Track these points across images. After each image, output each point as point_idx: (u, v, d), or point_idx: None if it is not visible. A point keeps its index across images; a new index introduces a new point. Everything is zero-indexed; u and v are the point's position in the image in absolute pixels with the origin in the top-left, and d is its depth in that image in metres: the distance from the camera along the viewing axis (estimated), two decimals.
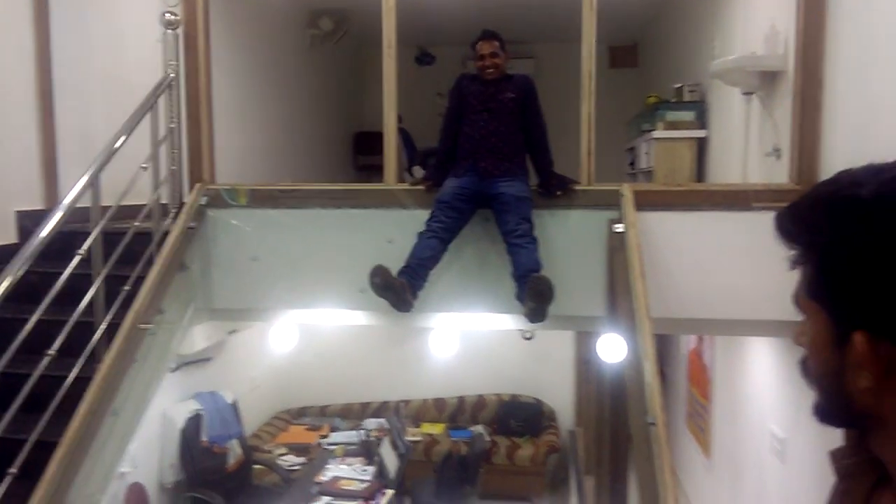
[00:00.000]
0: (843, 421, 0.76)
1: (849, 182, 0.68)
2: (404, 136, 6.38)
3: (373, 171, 7.75)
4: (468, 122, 3.25)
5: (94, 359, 2.82)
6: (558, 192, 3.22)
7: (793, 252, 0.74)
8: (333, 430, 6.56)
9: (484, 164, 3.15)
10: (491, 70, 3.22)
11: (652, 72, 6.96)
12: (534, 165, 3.27)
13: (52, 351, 2.55)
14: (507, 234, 3.04)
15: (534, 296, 2.87)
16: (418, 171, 6.81)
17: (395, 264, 3.22)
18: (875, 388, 0.66)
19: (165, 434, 4.87)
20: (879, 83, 2.55)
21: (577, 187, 3.20)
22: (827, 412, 0.75)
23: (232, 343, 5.67)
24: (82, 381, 2.64)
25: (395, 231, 3.26)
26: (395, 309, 2.95)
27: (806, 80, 2.99)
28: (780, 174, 3.32)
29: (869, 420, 0.70)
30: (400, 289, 2.91)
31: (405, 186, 3.38)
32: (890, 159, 0.69)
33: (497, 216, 3.11)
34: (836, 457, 0.79)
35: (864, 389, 0.66)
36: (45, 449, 2.46)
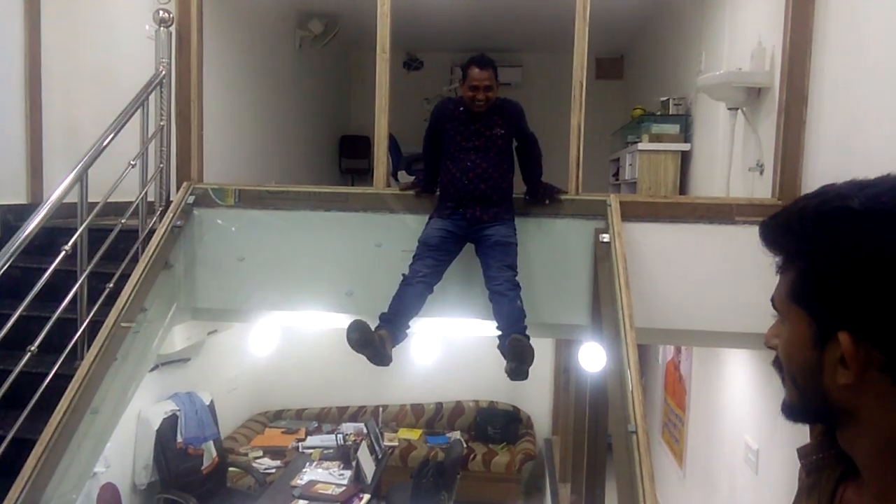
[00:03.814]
0: (814, 417, 0.81)
1: (835, 195, 0.72)
2: (390, 141, 6.38)
3: (357, 174, 7.76)
4: (452, 157, 3.05)
5: (75, 356, 2.80)
6: (546, 202, 3.18)
7: (777, 259, 0.79)
8: (310, 433, 6.53)
9: (472, 210, 3.00)
10: (482, 103, 2.99)
11: (637, 84, 7.04)
12: (523, 175, 3.18)
13: (33, 347, 2.52)
14: (489, 281, 2.94)
15: (514, 356, 2.79)
16: (403, 177, 6.82)
17: (382, 268, 3.23)
18: (853, 385, 0.70)
19: (140, 434, 4.81)
20: (861, 101, 2.61)
21: (565, 196, 3.23)
22: (799, 409, 0.79)
23: (211, 343, 5.62)
24: (62, 379, 2.61)
25: (383, 235, 3.27)
26: (373, 363, 2.83)
27: (791, 96, 3.05)
28: (762, 189, 3.38)
29: (842, 416, 0.74)
30: (379, 344, 2.77)
31: (394, 191, 3.39)
32: (870, 175, 0.74)
33: (481, 258, 3.01)
34: (804, 453, 0.85)
35: (843, 386, 0.71)
36: (22, 446, 2.44)
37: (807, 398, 0.77)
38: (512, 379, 2.86)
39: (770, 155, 3.24)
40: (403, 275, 2.96)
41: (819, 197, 0.74)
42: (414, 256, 2.99)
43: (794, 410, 0.80)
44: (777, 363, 0.81)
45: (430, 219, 3.11)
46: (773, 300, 0.80)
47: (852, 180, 0.74)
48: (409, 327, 2.94)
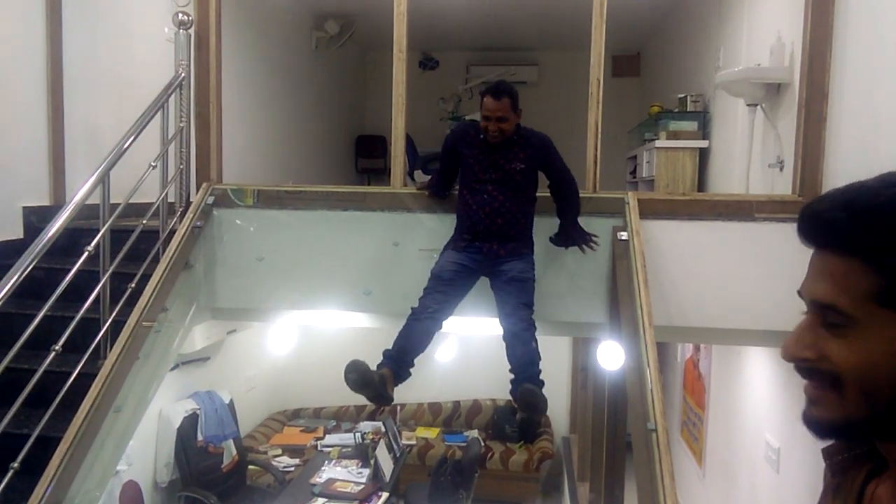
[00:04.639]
0: (877, 434, 0.72)
1: None
2: (407, 140, 6.40)
3: (374, 174, 7.78)
4: (469, 188, 2.94)
5: (98, 355, 2.83)
6: (582, 247, 2.98)
7: (823, 248, 0.70)
8: (328, 432, 6.56)
9: (489, 245, 2.89)
10: (496, 135, 2.85)
11: (654, 81, 7.00)
12: (558, 211, 3.02)
13: (57, 347, 2.55)
14: (503, 319, 2.81)
15: (525, 407, 2.71)
16: (420, 176, 6.83)
17: (400, 267, 3.24)
18: None
19: (162, 433, 4.86)
20: (883, 96, 2.58)
21: (583, 194, 3.20)
22: (859, 427, 0.71)
23: (230, 343, 5.67)
24: (86, 378, 2.64)
25: (400, 234, 3.28)
26: (372, 403, 2.74)
27: (811, 92, 3.02)
28: (781, 185, 3.35)
29: None
30: (379, 383, 2.68)
31: (411, 190, 3.39)
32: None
33: (495, 294, 2.89)
34: (829, 453, 0.80)
35: None
36: (47, 444, 2.47)
37: (880, 415, 0.68)
38: (520, 434, 2.68)
39: (790, 151, 3.22)
40: (413, 308, 2.85)
41: (883, 182, 0.66)
42: (425, 289, 2.89)
43: (851, 429, 0.71)
44: (823, 374, 0.71)
45: (444, 249, 3.02)
46: (830, 304, 0.69)
47: None
48: (413, 365, 2.84)
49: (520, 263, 2.88)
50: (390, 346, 2.82)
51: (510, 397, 2.83)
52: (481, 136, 2.92)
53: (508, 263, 2.87)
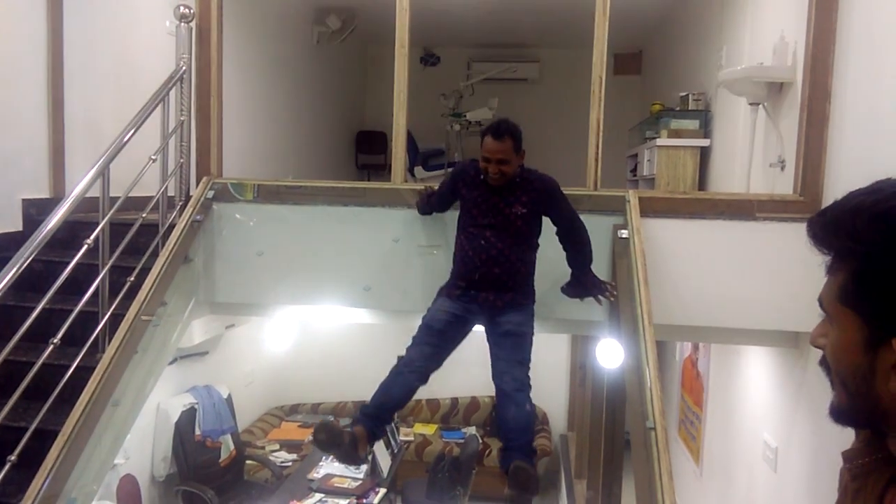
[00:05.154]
0: (864, 422, 0.77)
1: (892, 193, 0.69)
2: (407, 136, 6.41)
3: (374, 170, 7.78)
4: (466, 232, 2.75)
5: (97, 348, 2.83)
6: (598, 299, 2.81)
7: (826, 258, 0.75)
8: None
9: (485, 294, 2.70)
10: (497, 177, 2.67)
11: (655, 79, 6.99)
12: (568, 261, 2.82)
13: (55, 339, 2.55)
14: (496, 377, 2.64)
15: (515, 485, 2.54)
16: (420, 172, 6.83)
17: (399, 263, 3.24)
18: None
19: (160, 427, 4.86)
20: (886, 97, 2.57)
21: (582, 192, 3.20)
22: (847, 413, 0.76)
23: (229, 337, 5.67)
24: (84, 371, 2.64)
25: (400, 230, 3.27)
26: (342, 463, 2.62)
27: (814, 91, 3.01)
28: (783, 185, 3.34)
29: (894, 422, 0.72)
30: (349, 445, 2.57)
31: (412, 186, 3.39)
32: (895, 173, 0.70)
33: (490, 347, 2.72)
34: (849, 456, 0.81)
35: None
36: (44, 437, 2.47)
37: (857, 403, 0.74)
38: None
39: (792, 151, 3.21)
40: (399, 357, 2.71)
41: (874, 195, 0.70)
42: (414, 339, 2.73)
43: (842, 414, 0.77)
44: (824, 363, 0.78)
45: (437, 295, 2.84)
46: (820, 300, 0.77)
47: None
48: (391, 421, 2.69)
49: (517, 316, 2.70)
50: (367, 402, 2.70)
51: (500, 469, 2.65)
52: (482, 177, 2.74)
53: (505, 315, 2.69)
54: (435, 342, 2.71)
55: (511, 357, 2.64)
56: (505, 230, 2.70)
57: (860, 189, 0.72)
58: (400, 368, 2.70)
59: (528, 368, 2.65)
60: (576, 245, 2.79)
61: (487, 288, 2.70)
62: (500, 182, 2.69)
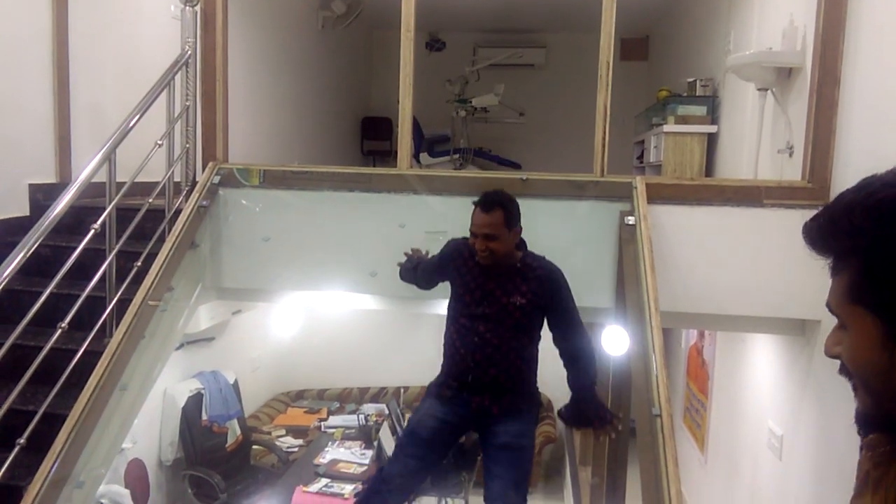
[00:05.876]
0: (892, 423, 0.74)
1: (881, 185, 0.69)
2: (413, 122, 6.38)
3: (379, 156, 7.76)
4: (457, 324, 2.41)
5: (104, 333, 2.84)
6: (596, 429, 2.49)
7: (828, 261, 0.74)
8: (331, 413, 6.59)
9: (478, 399, 2.39)
10: (485, 255, 2.33)
11: (662, 65, 6.94)
12: (567, 378, 2.54)
13: (63, 324, 2.56)
14: (488, 499, 2.35)
15: None
16: (425, 158, 6.81)
17: (405, 249, 3.22)
18: None
19: (166, 412, 4.89)
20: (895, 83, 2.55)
21: (588, 178, 3.18)
22: (874, 418, 0.73)
23: (235, 323, 5.68)
24: (92, 355, 2.66)
25: (406, 216, 3.26)
26: None
27: (823, 77, 2.98)
28: (791, 171, 3.32)
29: None
30: None
31: (417, 172, 3.38)
32: None
33: (484, 461, 2.42)
34: (871, 445, 0.80)
35: None
36: (53, 421, 2.48)
37: (883, 403, 0.72)
38: None
39: (800, 137, 3.19)
40: (381, 469, 2.47)
41: (864, 189, 0.70)
42: (397, 446, 2.49)
43: (868, 420, 0.75)
44: (845, 371, 0.76)
45: (426, 395, 2.54)
46: (828, 305, 0.75)
47: (892, 169, 0.71)
48: None
49: (515, 425, 2.39)
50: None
51: None
52: (475, 260, 2.40)
53: (502, 424, 2.38)
54: (420, 454, 2.44)
55: (507, 476, 2.35)
56: (501, 322, 2.37)
57: (848, 189, 0.72)
58: (378, 485, 2.43)
59: (527, 490, 2.37)
60: (576, 357, 2.48)
61: (482, 391, 2.40)
62: (489, 261, 2.36)
